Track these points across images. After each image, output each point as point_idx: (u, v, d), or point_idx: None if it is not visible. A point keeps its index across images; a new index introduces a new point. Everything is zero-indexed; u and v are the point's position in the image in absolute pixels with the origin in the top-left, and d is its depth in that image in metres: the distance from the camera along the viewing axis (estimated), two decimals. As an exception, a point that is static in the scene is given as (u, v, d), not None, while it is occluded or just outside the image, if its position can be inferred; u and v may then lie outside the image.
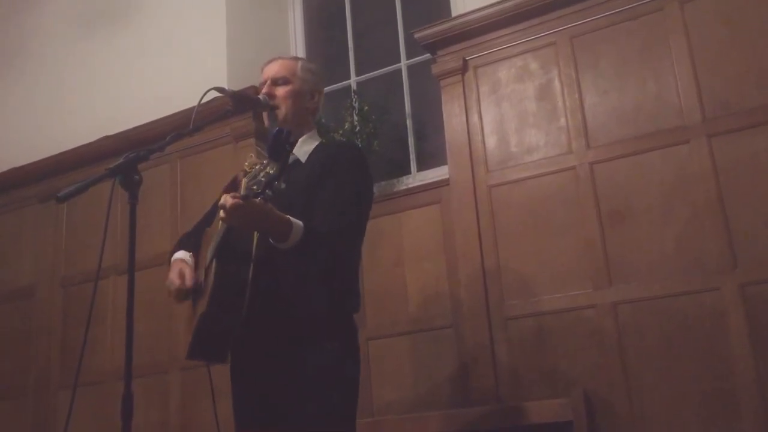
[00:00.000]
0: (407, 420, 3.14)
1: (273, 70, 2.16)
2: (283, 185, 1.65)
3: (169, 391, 3.84)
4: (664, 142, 3.04)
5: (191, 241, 2.15)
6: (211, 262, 1.92)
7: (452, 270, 3.41)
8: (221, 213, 1.72)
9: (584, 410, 2.81)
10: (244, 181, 1.67)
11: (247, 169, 1.70)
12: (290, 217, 1.78)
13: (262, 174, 1.63)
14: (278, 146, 1.65)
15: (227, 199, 1.68)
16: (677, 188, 2.97)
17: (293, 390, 1.86)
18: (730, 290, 2.79)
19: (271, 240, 1.81)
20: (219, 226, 1.92)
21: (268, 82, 2.14)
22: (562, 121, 3.28)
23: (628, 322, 2.93)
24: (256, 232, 1.87)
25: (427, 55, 3.82)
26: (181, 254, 2.10)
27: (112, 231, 3.94)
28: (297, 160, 2.07)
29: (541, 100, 3.36)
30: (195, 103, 2.05)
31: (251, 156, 1.78)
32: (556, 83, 3.34)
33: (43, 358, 4.28)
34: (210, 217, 2.16)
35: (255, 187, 1.63)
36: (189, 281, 1.96)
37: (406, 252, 3.58)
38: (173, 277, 1.98)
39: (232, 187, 2.02)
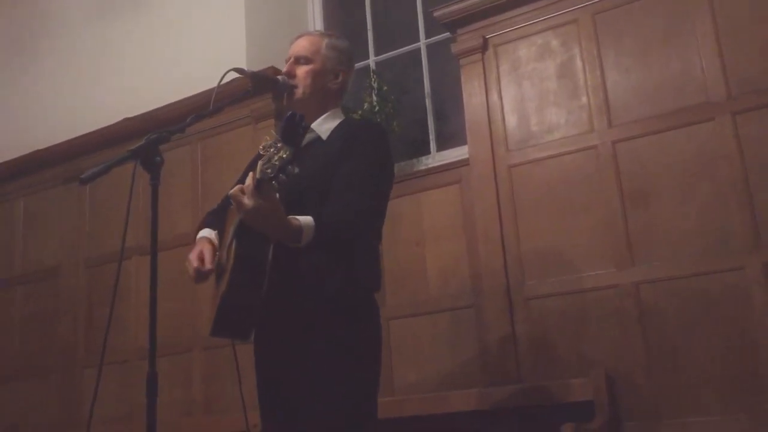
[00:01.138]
0: (428, 399, 3.16)
1: (298, 47, 2.12)
2: (296, 170, 1.64)
3: (193, 369, 3.89)
4: (688, 120, 2.99)
5: (216, 219, 2.15)
6: (231, 240, 1.93)
7: (472, 250, 3.41)
8: (236, 208, 1.71)
9: (605, 390, 2.80)
10: (258, 164, 1.67)
11: (262, 152, 1.70)
12: (300, 222, 1.74)
13: (276, 158, 1.63)
14: (291, 130, 1.64)
15: (236, 192, 1.67)
16: (701, 167, 2.93)
17: (304, 384, 1.86)
18: (754, 269, 2.75)
19: (289, 244, 1.78)
20: None
21: (291, 59, 2.11)
22: (584, 99, 3.24)
23: (650, 302, 2.91)
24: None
25: (447, 34, 3.79)
26: (206, 232, 2.10)
27: (134, 212, 3.94)
28: (318, 138, 2.05)
29: (562, 79, 3.32)
30: (215, 84, 2.05)
31: (266, 138, 1.77)
32: (578, 61, 3.29)
33: (68, 338, 4.35)
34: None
35: (269, 171, 1.62)
36: (208, 263, 1.96)
37: (425, 232, 3.57)
38: (193, 258, 1.97)
39: (255, 165, 2.02)
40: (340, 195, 1.89)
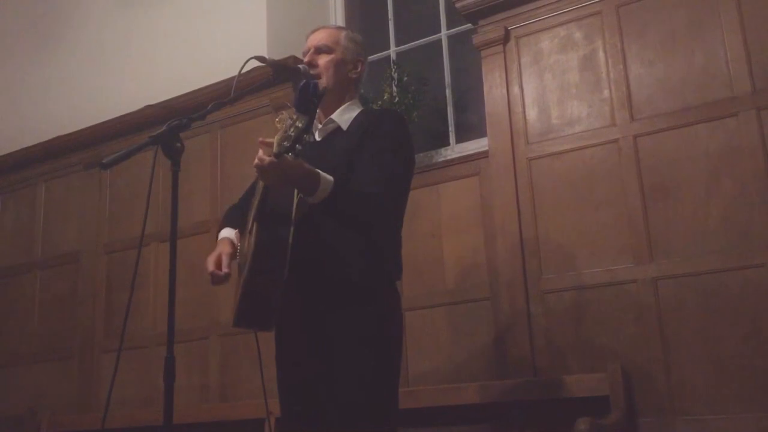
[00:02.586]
0: (443, 390, 3.16)
1: (317, 38, 2.15)
2: (311, 138, 1.66)
3: (209, 355, 3.92)
4: (712, 115, 2.96)
5: (238, 216, 2.17)
6: (252, 225, 1.93)
7: (490, 242, 3.40)
8: (257, 171, 1.75)
9: (621, 385, 2.79)
10: (276, 138, 1.68)
11: (278, 125, 1.71)
12: (319, 171, 1.78)
13: (291, 129, 1.64)
14: (305, 98, 1.65)
15: (263, 159, 1.70)
16: (724, 162, 2.90)
17: (327, 372, 1.88)
18: (775, 267, 2.72)
19: (300, 194, 1.82)
20: (259, 186, 1.93)
21: (312, 50, 2.13)
22: (606, 92, 3.22)
23: (669, 298, 2.89)
24: (295, 195, 1.87)
25: (468, 25, 3.76)
26: (226, 232, 2.12)
27: (154, 199, 3.96)
28: (338, 128, 2.07)
29: (584, 71, 3.29)
30: (236, 72, 2.06)
31: (282, 113, 1.78)
32: (601, 54, 3.26)
33: (87, 322, 4.40)
34: (255, 188, 2.17)
35: (285, 143, 1.64)
36: (225, 268, 1.98)
37: (444, 224, 3.57)
38: (210, 262, 2.00)
39: None
40: (361, 178, 1.90)
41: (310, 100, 1.65)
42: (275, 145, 1.67)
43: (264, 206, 1.88)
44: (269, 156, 1.70)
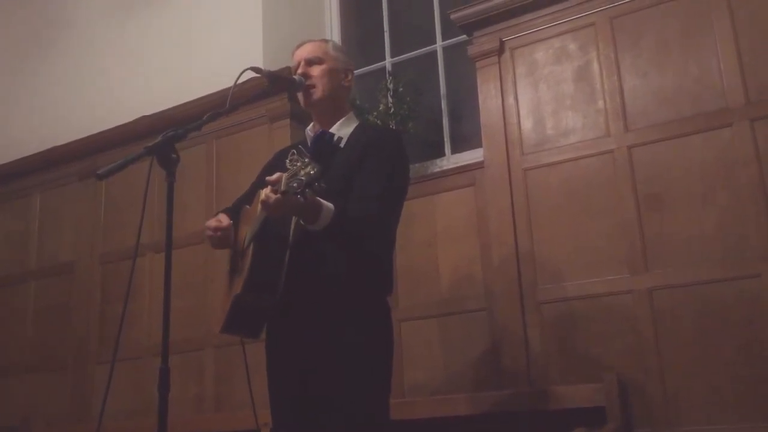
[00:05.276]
0: (438, 401, 3.15)
1: (305, 51, 2.18)
2: (323, 185, 1.66)
3: (204, 367, 3.91)
4: (706, 126, 2.97)
5: (231, 213, 2.20)
6: (248, 245, 1.94)
7: (485, 253, 3.40)
8: (261, 206, 1.77)
9: (617, 396, 2.78)
10: (283, 177, 1.69)
11: (288, 165, 1.71)
12: (321, 201, 1.80)
13: (302, 173, 1.64)
14: (322, 148, 1.67)
15: (269, 196, 1.72)
16: (718, 173, 2.91)
17: (320, 384, 1.89)
18: (770, 277, 2.73)
19: (301, 222, 1.84)
20: (258, 211, 1.94)
21: (302, 62, 2.15)
22: (600, 103, 3.23)
23: (665, 308, 2.89)
24: (293, 218, 1.90)
25: (464, 36, 3.78)
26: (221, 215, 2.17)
27: (149, 209, 3.96)
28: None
29: (578, 82, 3.30)
30: (231, 83, 2.07)
31: (293, 153, 1.79)
32: (595, 65, 3.28)
33: (82, 333, 4.38)
34: (249, 196, 2.19)
35: (295, 185, 1.64)
36: (225, 221, 2.04)
37: (439, 234, 3.57)
38: (210, 221, 2.06)
39: (274, 166, 2.05)
40: (357, 199, 1.92)
41: (327, 149, 1.68)
42: (283, 183, 1.68)
43: (263, 227, 1.90)
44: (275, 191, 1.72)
